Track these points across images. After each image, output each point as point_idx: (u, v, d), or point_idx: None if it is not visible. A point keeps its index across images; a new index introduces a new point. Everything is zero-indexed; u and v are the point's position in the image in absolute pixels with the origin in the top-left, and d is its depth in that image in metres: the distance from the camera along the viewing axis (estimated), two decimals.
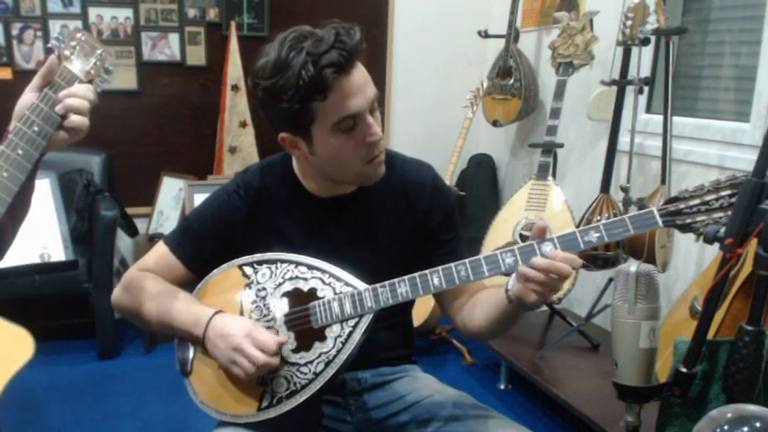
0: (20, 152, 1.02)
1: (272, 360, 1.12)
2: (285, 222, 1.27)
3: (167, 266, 1.28)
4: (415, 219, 1.29)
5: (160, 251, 1.29)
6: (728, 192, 1.01)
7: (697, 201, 1.02)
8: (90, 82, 1.10)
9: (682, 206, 1.02)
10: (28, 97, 1.05)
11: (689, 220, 1.02)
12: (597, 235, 1.04)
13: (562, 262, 1.03)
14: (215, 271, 1.25)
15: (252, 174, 1.29)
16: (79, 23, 3.16)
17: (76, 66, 1.09)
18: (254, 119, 3.24)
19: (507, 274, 1.10)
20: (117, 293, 1.29)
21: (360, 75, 1.12)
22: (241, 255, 1.24)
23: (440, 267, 1.11)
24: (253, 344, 1.11)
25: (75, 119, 1.04)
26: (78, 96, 1.05)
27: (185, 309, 1.20)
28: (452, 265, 1.10)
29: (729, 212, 1.01)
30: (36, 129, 1.03)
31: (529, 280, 1.04)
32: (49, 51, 1.08)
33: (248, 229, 1.26)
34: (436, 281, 1.10)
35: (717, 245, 1.09)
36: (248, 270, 1.22)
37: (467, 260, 1.09)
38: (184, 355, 1.22)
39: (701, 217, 1.01)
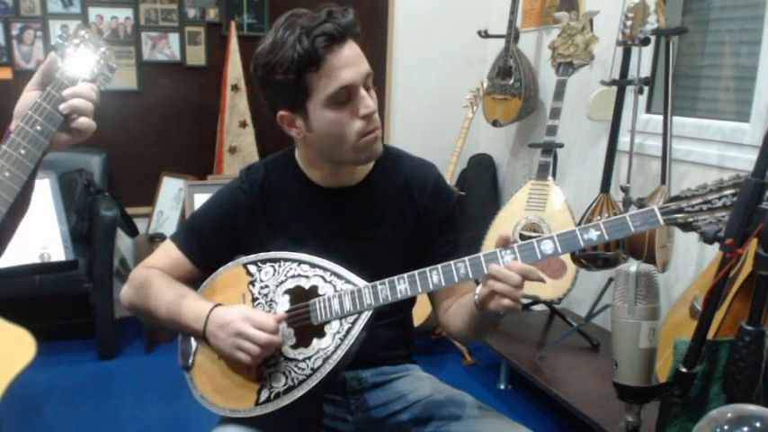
0: (22, 152, 1.02)
1: (274, 338, 1.12)
2: (289, 213, 1.28)
3: (174, 264, 1.29)
4: (416, 214, 1.30)
5: (167, 249, 1.31)
6: (731, 191, 1.00)
7: (699, 199, 1.01)
8: (93, 81, 1.10)
9: (684, 204, 1.01)
10: (29, 96, 1.05)
11: (691, 219, 1.01)
12: (598, 233, 1.03)
13: (518, 273, 1.04)
14: (220, 269, 1.26)
15: (255, 170, 1.31)
16: (79, 23, 3.16)
17: (80, 64, 1.08)
18: (254, 119, 3.24)
19: None
20: (126, 292, 1.30)
21: (352, 50, 1.14)
22: (247, 249, 1.26)
23: (439, 265, 1.11)
24: (252, 325, 1.12)
25: (81, 120, 1.04)
26: (82, 96, 1.04)
27: (188, 305, 1.21)
28: (452, 262, 1.10)
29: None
30: (39, 128, 1.02)
31: (491, 284, 1.06)
32: (52, 50, 1.08)
33: (252, 223, 1.28)
34: (435, 278, 1.10)
35: (717, 245, 1.09)
36: (252, 268, 1.23)
37: (466, 258, 1.10)
38: (186, 350, 1.23)
39: (704, 216, 1.01)
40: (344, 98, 1.14)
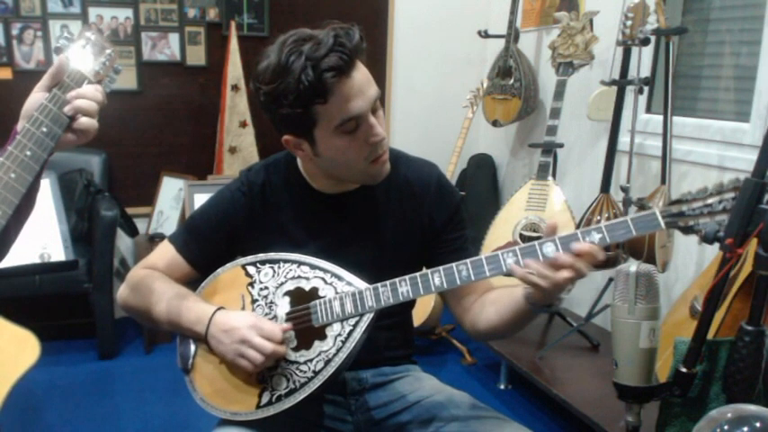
0: (28, 153, 1.02)
1: (280, 348, 1.12)
2: (289, 219, 1.27)
3: (172, 265, 1.28)
4: (420, 217, 1.29)
5: (165, 250, 1.30)
6: (731, 195, 1.00)
7: (700, 203, 1.01)
8: (99, 82, 1.10)
9: (684, 208, 1.01)
10: (36, 97, 1.05)
11: (691, 222, 1.01)
12: (599, 236, 1.03)
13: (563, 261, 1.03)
14: (218, 270, 1.26)
15: (256, 172, 1.30)
16: (79, 23, 3.16)
17: (86, 66, 1.08)
18: (254, 119, 3.24)
19: (508, 275, 1.10)
20: (123, 293, 1.30)
21: (360, 75, 1.12)
22: (246, 252, 1.25)
23: (441, 267, 1.10)
24: (258, 334, 1.11)
25: (84, 121, 1.04)
26: (87, 97, 1.04)
27: (189, 307, 1.21)
28: (454, 264, 1.10)
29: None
30: (44, 129, 1.02)
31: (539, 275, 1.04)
32: (57, 51, 1.08)
33: (252, 226, 1.27)
34: (437, 281, 1.10)
35: (717, 245, 1.09)
36: (251, 269, 1.22)
37: (468, 260, 1.09)
38: (186, 353, 1.23)
39: (704, 219, 1.01)
40: (353, 127, 1.13)
